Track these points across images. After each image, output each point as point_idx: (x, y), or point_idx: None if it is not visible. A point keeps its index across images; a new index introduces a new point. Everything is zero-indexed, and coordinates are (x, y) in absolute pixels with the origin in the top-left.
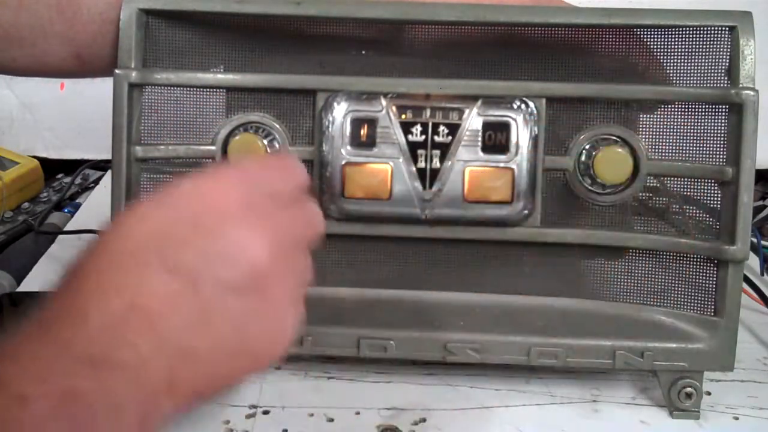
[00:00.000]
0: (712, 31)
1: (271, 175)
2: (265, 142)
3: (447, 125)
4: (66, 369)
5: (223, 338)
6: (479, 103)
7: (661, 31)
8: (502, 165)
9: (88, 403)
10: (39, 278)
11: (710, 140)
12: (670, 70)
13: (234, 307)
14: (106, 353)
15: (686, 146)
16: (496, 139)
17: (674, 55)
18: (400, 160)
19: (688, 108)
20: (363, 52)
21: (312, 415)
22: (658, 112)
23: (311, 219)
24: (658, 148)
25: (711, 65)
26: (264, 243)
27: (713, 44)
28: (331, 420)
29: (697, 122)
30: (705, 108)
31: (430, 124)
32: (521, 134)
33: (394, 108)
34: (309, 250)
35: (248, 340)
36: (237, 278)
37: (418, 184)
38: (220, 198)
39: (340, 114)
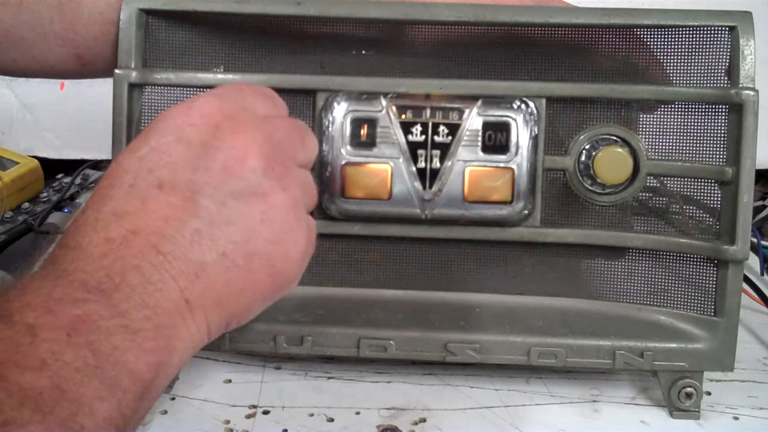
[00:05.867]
0: (712, 31)
1: (248, 93)
2: None
3: (447, 125)
4: (72, 297)
5: (232, 247)
6: (479, 103)
7: (661, 31)
8: (502, 165)
9: (101, 327)
10: None
11: (710, 140)
12: (670, 70)
13: (238, 212)
14: (111, 278)
15: (686, 146)
16: (496, 139)
17: (674, 55)
18: (400, 160)
19: (688, 108)
20: (363, 52)
21: (312, 415)
22: (658, 112)
23: (302, 134)
24: (658, 148)
25: (711, 65)
26: (257, 147)
27: (713, 44)
28: (331, 420)
29: (697, 122)
30: (705, 108)
31: (430, 124)
32: (521, 134)
33: (394, 108)
34: (307, 170)
35: (259, 246)
36: (236, 184)
37: (418, 184)
38: (205, 114)
39: (340, 114)
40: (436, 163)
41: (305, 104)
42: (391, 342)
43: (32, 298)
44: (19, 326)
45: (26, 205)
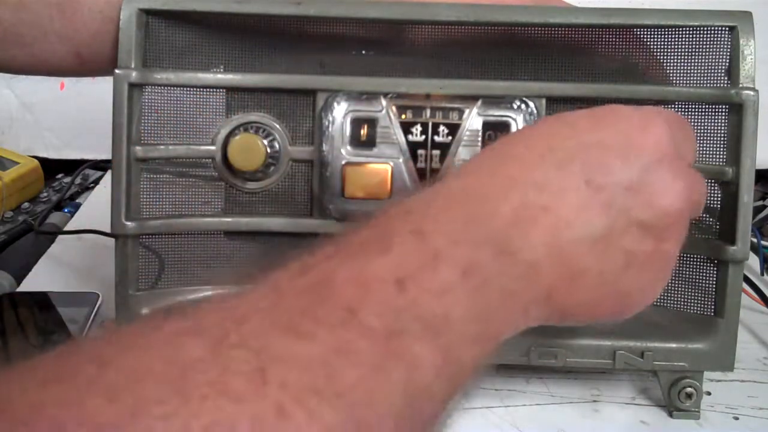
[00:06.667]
0: (712, 31)
1: (686, 135)
2: (265, 142)
3: (447, 125)
4: (475, 242)
5: (611, 270)
6: (479, 103)
7: (661, 31)
8: None
9: (486, 279)
10: (39, 278)
11: (710, 140)
12: (670, 70)
13: (633, 243)
14: (508, 245)
15: None
16: (496, 139)
17: (674, 55)
18: (400, 160)
19: (688, 108)
20: (363, 52)
21: None
22: None
23: (704, 192)
24: None
25: (711, 65)
26: (683, 200)
27: (713, 44)
28: None
29: (697, 122)
30: (705, 108)
31: (430, 124)
32: None
33: (394, 108)
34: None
35: (627, 283)
36: (648, 219)
37: (418, 185)
38: (658, 141)
39: (340, 114)
40: (436, 163)
41: (305, 104)
42: None
43: (443, 225)
44: (427, 247)
45: (26, 205)
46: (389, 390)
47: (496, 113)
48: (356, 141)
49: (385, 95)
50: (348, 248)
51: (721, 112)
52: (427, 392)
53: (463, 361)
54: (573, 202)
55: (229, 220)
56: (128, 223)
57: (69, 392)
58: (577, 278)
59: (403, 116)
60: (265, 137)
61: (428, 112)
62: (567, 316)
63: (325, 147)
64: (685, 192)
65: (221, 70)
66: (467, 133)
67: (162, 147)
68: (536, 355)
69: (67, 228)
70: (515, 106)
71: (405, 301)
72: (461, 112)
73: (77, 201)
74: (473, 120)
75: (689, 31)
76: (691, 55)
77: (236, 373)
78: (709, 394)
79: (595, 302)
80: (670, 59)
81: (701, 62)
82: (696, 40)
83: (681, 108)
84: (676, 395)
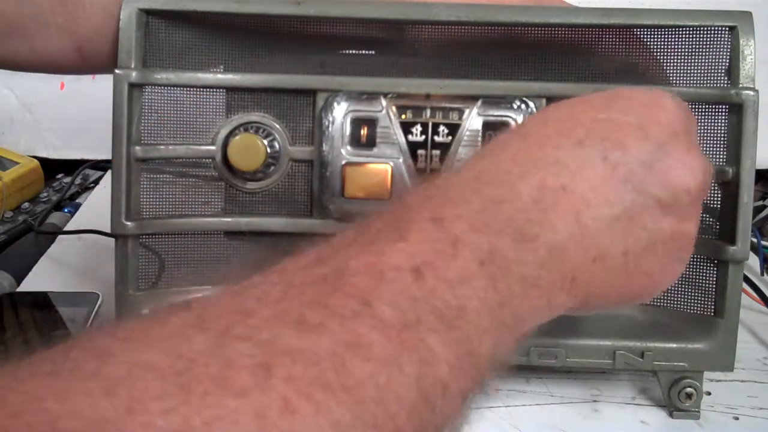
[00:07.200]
0: (712, 31)
1: (691, 117)
2: (265, 142)
3: (447, 125)
4: (495, 229)
5: (634, 250)
6: (479, 103)
7: (661, 31)
8: None
9: (502, 267)
10: (39, 278)
11: (710, 140)
12: (670, 70)
13: (654, 221)
14: (528, 229)
15: None
16: None
17: (674, 55)
18: (400, 160)
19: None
20: (363, 52)
21: None
22: None
23: (712, 173)
24: None
25: (711, 65)
26: (700, 174)
27: (713, 44)
28: None
29: (697, 122)
30: (705, 108)
31: (430, 124)
32: None
33: (394, 108)
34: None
35: (650, 262)
36: (666, 196)
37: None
38: (670, 117)
39: (340, 114)
40: (437, 163)
41: (305, 104)
42: None
43: (463, 210)
44: (447, 234)
45: (26, 205)
46: (401, 384)
47: (496, 113)
48: (356, 141)
49: (385, 95)
50: (364, 237)
51: (721, 112)
52: (441, 387)
53: (478, 354)
54: (591, 180)
55: (229, 220)
56: (128, 223)
57: (65, 385)
58: (600, 259)
59: (403, 116)
60: (265, 137)
61: (428, 112)
62: (590, 302)
63: (325, 147)
64: (700, 169)
65: (221, 70)
66: (467, 133)
67: (162, 147)
68: (536, 355)
69: (67, 228)
70: (515, 106)
71: (421, 291)
72: (461, 112)
73: (77, 201)
74: (473, 120)
75: (689, 31)
76: (691, 55)
77: (240, 367)
78: (709, 394)
79: (619, 284)
80: (670, 59)
81: (701, 62)
82: (696, 40)
83: None
84: (676, 395)
